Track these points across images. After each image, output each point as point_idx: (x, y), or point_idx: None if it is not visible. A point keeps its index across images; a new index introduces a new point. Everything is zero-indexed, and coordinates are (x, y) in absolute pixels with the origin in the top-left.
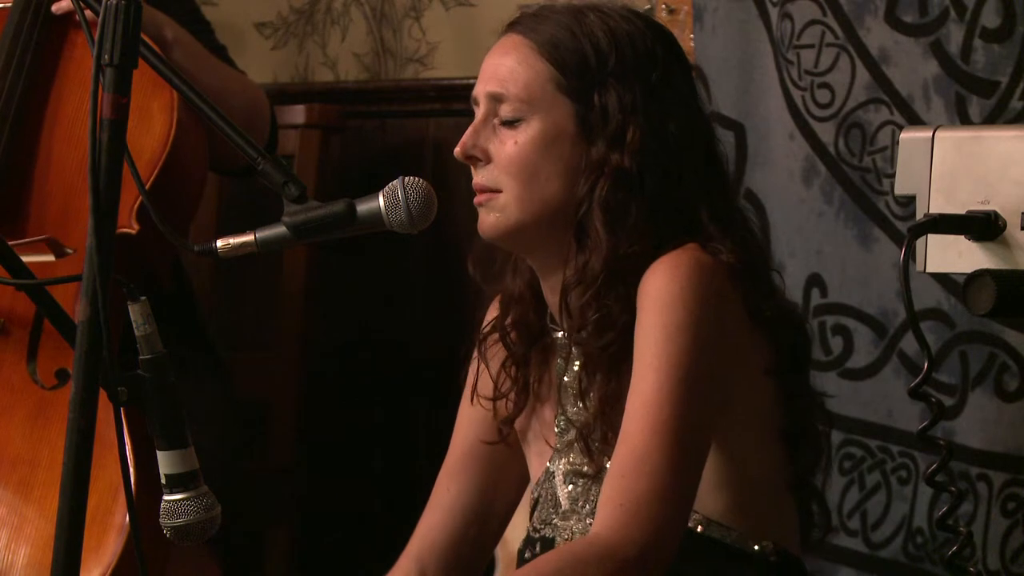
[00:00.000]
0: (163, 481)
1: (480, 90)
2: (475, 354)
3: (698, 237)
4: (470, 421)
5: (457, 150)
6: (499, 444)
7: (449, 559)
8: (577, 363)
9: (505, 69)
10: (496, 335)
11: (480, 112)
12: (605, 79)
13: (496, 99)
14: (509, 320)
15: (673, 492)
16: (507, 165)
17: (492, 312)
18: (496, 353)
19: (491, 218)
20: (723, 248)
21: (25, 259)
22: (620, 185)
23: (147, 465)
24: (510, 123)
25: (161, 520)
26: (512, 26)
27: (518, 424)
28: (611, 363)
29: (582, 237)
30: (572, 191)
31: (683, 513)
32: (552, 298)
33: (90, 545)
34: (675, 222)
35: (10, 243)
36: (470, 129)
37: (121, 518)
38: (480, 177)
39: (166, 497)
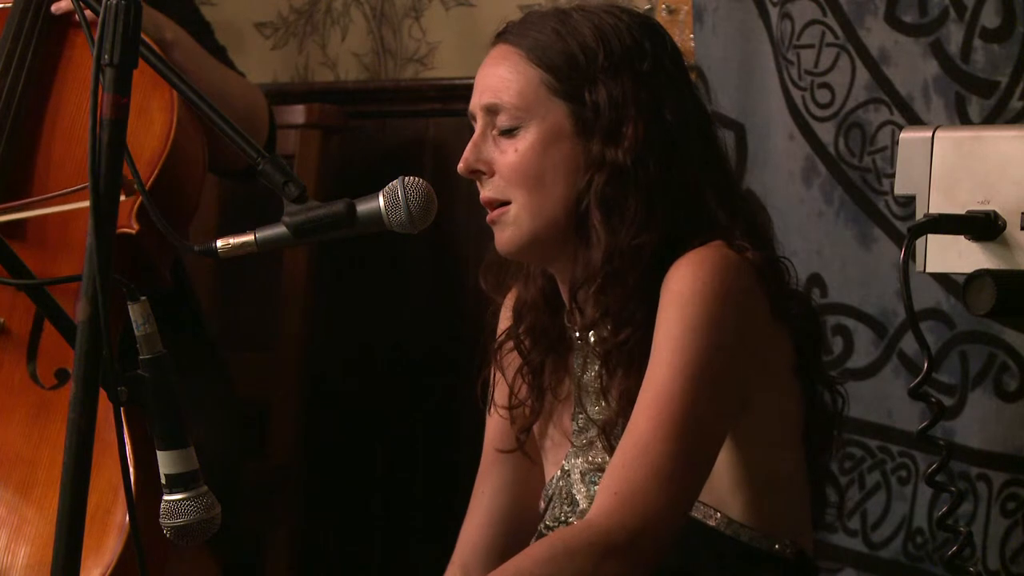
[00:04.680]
0: (163, 481)
1: (475, 103)
2: (492, 364)
3: (719, 231)
4: (495, 429)
5: (460, 166)
6: (516, 452)
7: (492, 561)
8: (597, 363)
9: (497, 79)
10: (511, 343)
11: (478, 126)
12: (595, 76)
13: (492, 110)
14: (523, 327)
15: (671, 484)
16: (511, 174)
17: (505, 318)
18: (512, 361)
19: (506, 233)
20: (748, 245)
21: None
22: (616, 179)
23: (147, 465)
24: (508, 132)
25: (161, 520)
26: (500, 36)
27: (536, 429)
28: (630, 359)
29: (583, 234)
30: (576, 188)
31: (679, 506)
32: (568, 298)
33: (90, 545)
34: (680, 210)
35: (54, 193)
36: (470, 144)
37: (121, 518)
38: (487, 191)
39: (166, 497)
